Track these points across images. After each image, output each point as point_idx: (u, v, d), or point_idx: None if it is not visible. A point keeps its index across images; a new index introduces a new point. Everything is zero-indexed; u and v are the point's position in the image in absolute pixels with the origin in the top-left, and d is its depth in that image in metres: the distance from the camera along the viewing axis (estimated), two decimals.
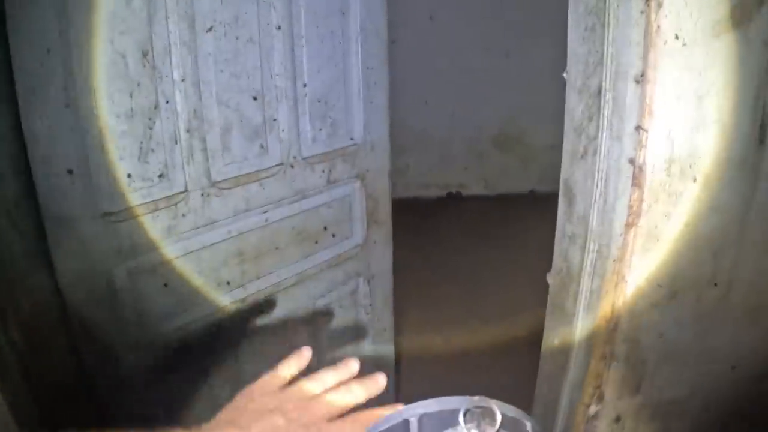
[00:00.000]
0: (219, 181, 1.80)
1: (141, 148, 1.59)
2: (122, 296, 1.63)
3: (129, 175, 1.58)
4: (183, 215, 1.74)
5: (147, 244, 1.67)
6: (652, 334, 1.61)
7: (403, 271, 3.91)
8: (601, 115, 1.35)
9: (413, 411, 0.81)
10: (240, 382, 0.87)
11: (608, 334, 1.57)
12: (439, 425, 0.79)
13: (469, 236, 5.54)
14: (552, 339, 1.73)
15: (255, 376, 0.92)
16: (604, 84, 1.32)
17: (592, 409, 1.70)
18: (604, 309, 1.54)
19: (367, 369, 2.42)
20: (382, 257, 2.49)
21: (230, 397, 0.87)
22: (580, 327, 1.60)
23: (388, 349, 2.68)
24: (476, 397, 0.79)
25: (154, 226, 1.68)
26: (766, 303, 1.70)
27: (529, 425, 0.82)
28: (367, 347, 2.55)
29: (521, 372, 3.44)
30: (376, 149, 2.29)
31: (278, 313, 2.09)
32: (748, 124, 1.40)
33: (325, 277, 2.25)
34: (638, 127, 1.31)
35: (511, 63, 5.89)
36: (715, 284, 1.59)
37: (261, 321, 2.04)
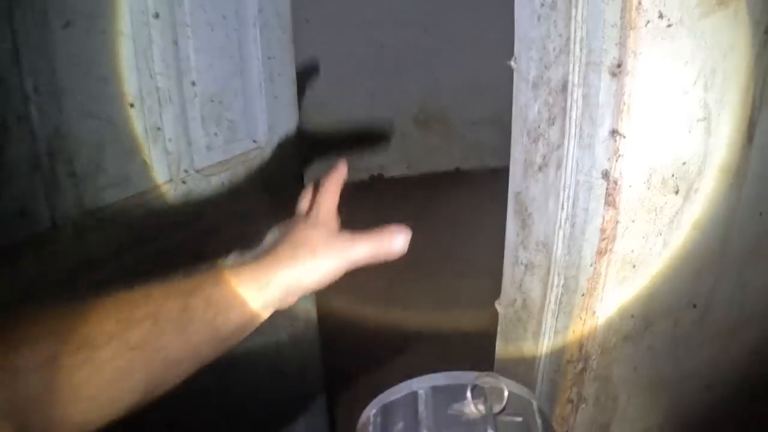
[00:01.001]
0: (94, 210, 1.47)
1: None
2: None
3: None
4: (53, 257, 1.41)
5: (13, 299, 1.35)
6: (624, 369, 1.38)
7: None
8: (567, 117, 1.07)
9: (422, 383, 0.86)
10: None
11: (576, 376, 1.33)
12: (447, 398, 0.83)
13: (395, 220, 5.32)
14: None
15: None
16: (571, 77, 1.03)
17: None
18: (571, 349, 1.28)
19: (293, 370, 2.14)
20: None
21: None
22: (543, 370, 1.34)
23: (313, 362, 2.42)
24: (485, 373, 0.83)
25: (18, 275, 1.37)
26: (744, 320, 1.52)
27: (535, 404, 0.88)
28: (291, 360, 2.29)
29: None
30: (284, 150, 1.99)
31: None
32: (736, 121, 1.16)
33: None
34: (614, 132, 1.04)
35: (429, 39, 5.66)
36: (694, 306, 1.38)
37: None
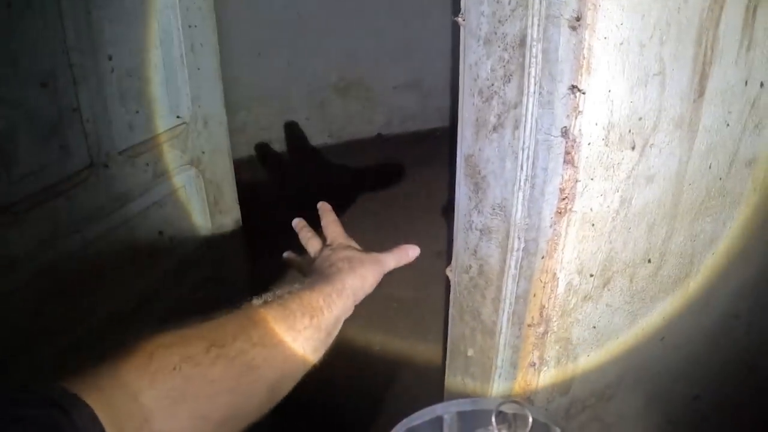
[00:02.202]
0: (8, 205, 1.35)
1: None
2: None
3: None
4: None
5: None
6: (584, 328, 1.37)
7: (257, 241, 3.59)
8: (525, 74, 1.02)
9: (447, 408, 0.91)
10: None
11: (537, 339, 1.30)
12: (472, 424, 0.88)
13: (320, 189, 5.25)
14: (463, 348, 1.44)
15: None
16: (530, 31, 0.98)
17: None
18: (532, 313, 1.25)
19: None
20: (235, 250, 2.12)
21: None
22: (505, 336, 1.31)
23: None
24: (510, 399, 0.91)
25: None
26: (694, 271, 1.54)
27: (558, 431, 0.91)
28: None
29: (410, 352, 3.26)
30: (210, 124, 1.89)
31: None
32: (688, 75, 1.14)
33: (172, 292, 1.85)
34: (573, 87, 1.00)
35: (346, 6, 5.55)
36: (649, 260, 1.38)
37: None
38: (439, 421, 0.88)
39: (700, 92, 1.19)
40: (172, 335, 0.75)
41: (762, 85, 1.32)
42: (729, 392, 1.95)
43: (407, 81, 5.92)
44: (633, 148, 1.14)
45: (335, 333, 0.95)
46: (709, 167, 1.35)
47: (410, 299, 3.66)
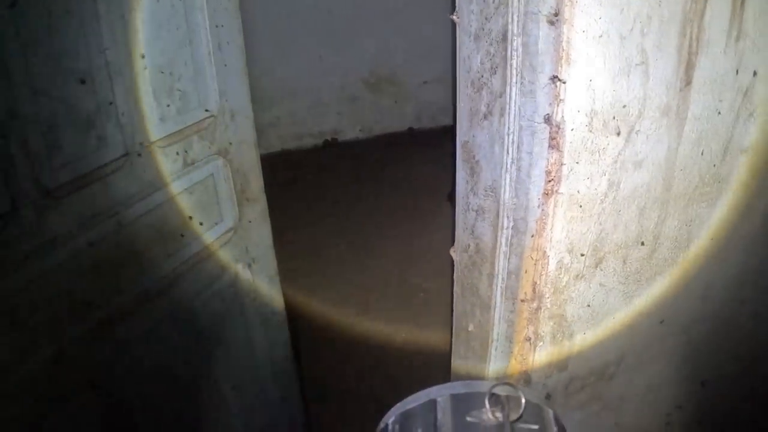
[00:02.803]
0: (52, 189, 1.48)
1: None
2: None
3: None
4: (16, 237, 1.42)
5: None
6: (578, 306, 1.45)
7: (288, 233, 3.69)
8: (508, 66, 1.12)
9: (441, 391, 0.88)
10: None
11: (531, 314, 1.39)
12: (465, 406, 0.85)
13: (351, 183, 5.39)
14: (465, 323, 1.54)
15: None
16: (511, 27, 1.08)
17: None
18: (525, 289, 1.35)
19: (261, 360, 2.18)
20: (260, 237, 2.24)
21: None
22: (499, 310, 1.41)
23: (281, 335, 2.44)
24: (503, 382, 0.85)
25: None
26: (691, 255, 1.60)
27: (551, 413, 0.88)
28: (258, 339, 2.31)
29: (433, 337, 3.36)
30: (237, 118, 2.00)
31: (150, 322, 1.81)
32: (673, 65, 1.22)
33: (199, 273, 1.97)
34: (554, 78, 1.09)
35: (377, 2, 5.65)
36: (642, 243, 1.45)
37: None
38: (433, 404, 0.87)
39: (687, 81, 1.27)
40: None
41: (755, 74, 1.37)
42: (737, 379, 1.98)
43: (437, 76, 6.00)
44: (618, 134, 1.22)
45: None
46: (701, 154, 1.41)
47: (434, 287, 3.75)
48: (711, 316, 1.78)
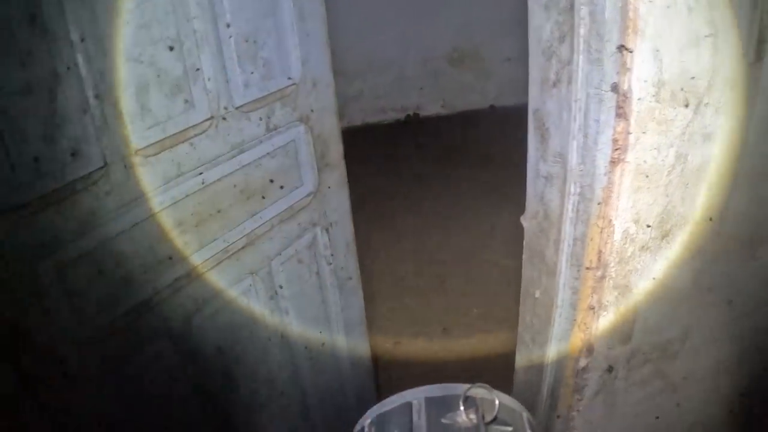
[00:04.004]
0: (142, 149, 1.58)
1: (45, 125, 1.37)
2: (53, 292, 1.44)
3: (36, 159, 1.36)
4: (106, 193, 1.53)
5: (71, 233, 1.47)
6: (643, 279, 1.47)
7: (366, 204, 3.74)
8: (575, 34, 1.14)
9: (416, 394, 0.90)
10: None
11: (595, 283, 1.41)
12: (440, 409, 0.86)
13: (431, 158, 5.42)
14: (532, 290, 1.57)
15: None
16: None
17: (582, 362, 1.56)
18: (590, 257, 1.37)
19: (335, 323, 2.25)
20: (339, 202, 2.30)
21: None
22: (564, 277, 1.43)
23: (356, 300, 2.50)
24: (477, 385, 0.86)
25: (75, 211, 1.47)
26: (762, 234, 1.60)
27: (525, 415, 0.90)
28: (333, 300, 2.38)
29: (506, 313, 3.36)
30: (319, 86, 2.06)
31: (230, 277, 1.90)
32: (743, 38, 1.22)
33: (278, 234, 2.05)
34: (621, 47, 1.11)
35: None
36: (710, 219, 1.45)
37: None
38: (408, 406, 0.89)
39: (758, 56, 1.26)
40: None
41: None
42: None
43: (520, 53, 5.90)
44: (686, 106, 1.23)
45: None
46: None
47: (509, 264, 3.75)
48: None
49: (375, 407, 0.92)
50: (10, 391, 1.43)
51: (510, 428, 0.86)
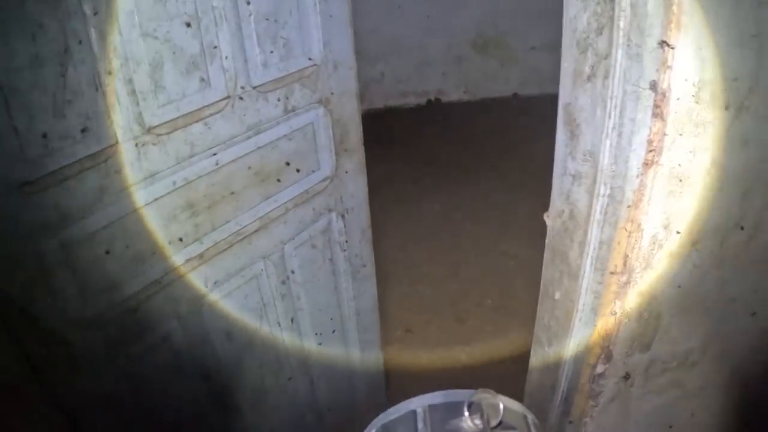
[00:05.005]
0: (154, 127, 1.54)
1: (55, 100, 1.32)
2: (59, 271, 1.41)
3: (44, 135, 1.32)
4: (116, 172, 1.49)
5: (79, 211, 1.43)
6: (669, 287, 1.41)
7: (383, 187, 3.67)
8: (614, 27, 1.07)
9: (420, 402, 0.88)
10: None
11: (619, 288, 1.35)
12: (445, 415, 0.85)
13: (452, 144, 5.35)
14: (551, 291, 1.50)
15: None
16: None
17: (599, 368, 1.51)
18: (615, 261, 1.31)
19: (347, 311, 2.20)
20: (356, 188, 2.24)
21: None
22: (587, 280, 1.37)
23: (369, 288, 2.45)
24: (482, 390, 0.84)
25: (83, 189, 1.43)
26: None
27: (530, 418, 0.89)
28: (345, 287, 2.32)
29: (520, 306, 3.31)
30: (340, 68, 2.00)
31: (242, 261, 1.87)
32: None
33: (292, 218, 2.01)
34: (663, 42, 1.04)
35: None
36: (742, 228, 1.39)
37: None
38: (412, 414, 0.87)
39: None
40: None
41: None
42: None
43: (545, 42, 5.83)
44: (726, 109, 1.16)
45: None
46: None
47: (526, 257, 3.69)
48: None
49: (379, 417, 0.90)
50: (16, 372, 1.41)
51: (515, 431, 0.85)
